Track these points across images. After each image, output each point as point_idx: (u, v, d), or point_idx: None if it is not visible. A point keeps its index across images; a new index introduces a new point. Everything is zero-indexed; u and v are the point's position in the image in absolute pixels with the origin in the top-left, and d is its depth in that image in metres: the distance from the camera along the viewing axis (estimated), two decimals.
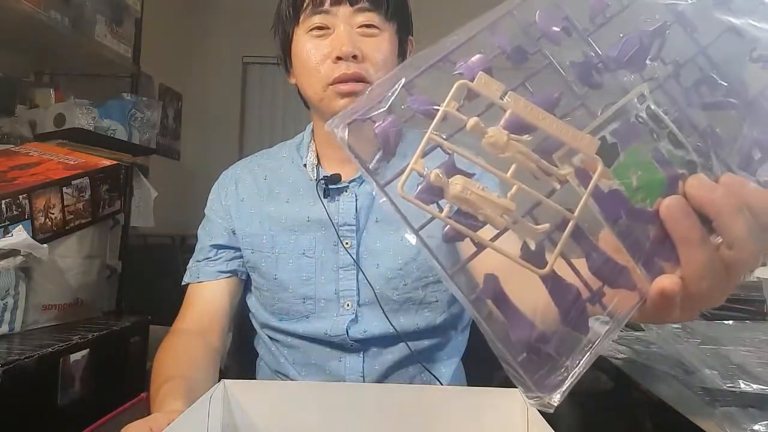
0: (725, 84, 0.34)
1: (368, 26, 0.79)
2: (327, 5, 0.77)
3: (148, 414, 0.60)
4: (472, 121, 0.30)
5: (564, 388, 0.30)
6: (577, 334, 0.31)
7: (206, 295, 0.87)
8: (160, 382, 0.69)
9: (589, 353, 0.31)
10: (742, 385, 0.62)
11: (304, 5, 0.79)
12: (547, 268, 0.30)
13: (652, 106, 0.33)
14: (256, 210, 0.88)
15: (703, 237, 0.31)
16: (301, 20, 0.80)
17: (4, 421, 0.76)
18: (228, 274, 0.88)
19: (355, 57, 0.77)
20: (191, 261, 0.91)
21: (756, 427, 0.57)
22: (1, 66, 1.70)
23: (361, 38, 0.78)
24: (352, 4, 0.77)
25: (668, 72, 0.34)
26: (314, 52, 0.79)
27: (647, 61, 0.34)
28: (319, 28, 0.78)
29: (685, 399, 0.70)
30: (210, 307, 0.86)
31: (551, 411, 0.30)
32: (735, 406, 0.61)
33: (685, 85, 0.34)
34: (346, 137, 0.31)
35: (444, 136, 0.30)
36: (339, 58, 0.77)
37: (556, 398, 0.30)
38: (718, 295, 0.34)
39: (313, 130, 0.92)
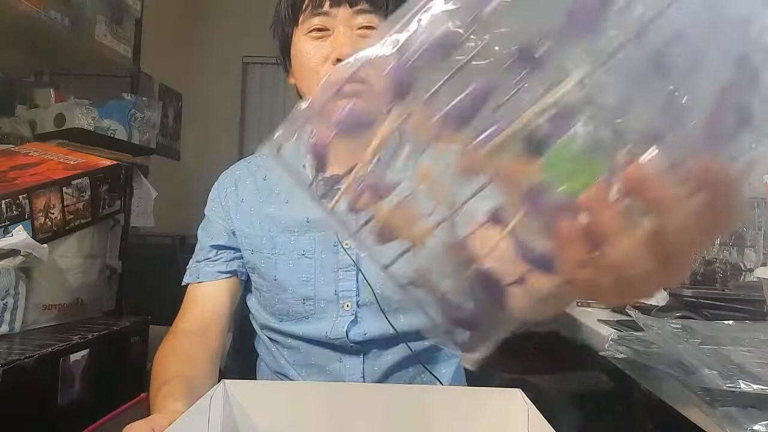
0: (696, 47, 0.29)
1: (368, 28, 0.78)
2: (326, 7, 0.77)
3: (148, 414, 0.60)
4: (419, 177, 0.31)
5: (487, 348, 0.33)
6: (499, 310, 0.33)
7: (206, 295, 0.87)
8: (160, 382, 0.69)
9: (510, 325, 0.33)
10: (742, 385, 0.62)
11: (303, 6, 0.79)
12: (473, 267, 0.31)
13: (590, 87, 0.29)
14: (255, 210, 0.88)
15: (627, 227, 0.30)
16: (300, 21, 0.80)
17: (4, 421, 0.76)
18: (228, 275, 0.88)
19: None
20: (191, 261, 0.91)
21: (756, 427, 0.57)
22: (1, 66, 1.70)
23: (361, 40, 0.78)
24: (351, 6, 0.77)
25: (621, 39, 0.29)
26: (314, 54, 0.79)
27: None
28: (319, 29, 0.78)
29: (685, 399, 0.70)
30: (210, 307, 0.86)
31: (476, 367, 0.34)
32: (735, 406, 0.61)
33: (646, 51, 0.29)
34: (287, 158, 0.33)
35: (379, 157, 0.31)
36: (339, 60, 0.76)
37: (483, 352, 0.33)
38: (653, 283, 0.33)
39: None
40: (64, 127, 1.61)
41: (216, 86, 3.31)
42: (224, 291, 0.88)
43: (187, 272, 0.90)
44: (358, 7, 0.77)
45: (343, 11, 0.77)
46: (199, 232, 0.93)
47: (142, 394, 0.89)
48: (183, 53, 3.15)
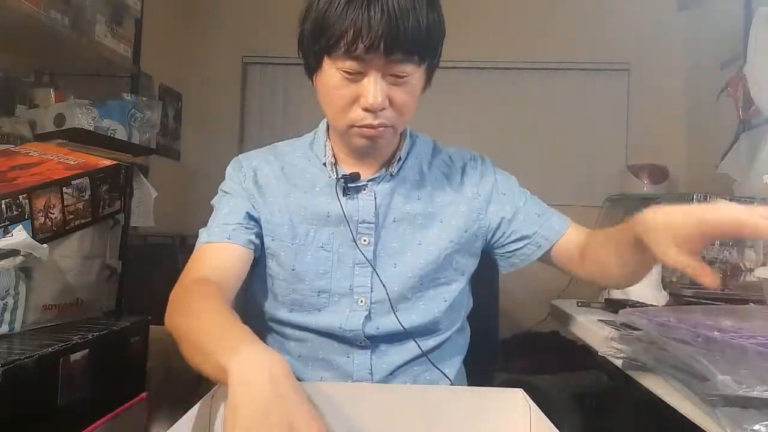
0: None
1: (398, 77, 0.77)
2: (361, 51, 0.73)
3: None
4: None
5: None
6: None
7: (230, 256, 0.82)
8: (197, 323, 0.62)
9: None
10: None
11: (339, 46, 0.74)
12: None
13: None
14: (275, 199, 0.88)
15: None
16: (333, 56, 0.76)
17: (4, 421, 0.76)
18: (253, 247, 0.85)
19: (382, 108, 0.77)
20: (215, 223, 0.86)
21: (756, 427, 0.57)
22: (1, 66, 1.69)
23: (390, 86, 0.77)
24: (386, 54, 0.74)
25: None
26: (342, 93, 0.77)
27: None
28: (350, 72, 0.76)
29: (685, 399, 0.70)
30: (231, 267, 0.81)
31: None
32: (735, 406, 0.61)
33: None
34: None
35: None
36: (367, 110, 0.76)
37: None
38: None
39: (328, 130, 0.92)
40: (64, 127, 1.61)
41: (216, 86, 3.31)
42: (247, 261, 0.84)
43: (210, 231, 0.85)
44: (393, 57, 0.74)
45: (378, 58, 0.74)
46: (218, 201, 0.89)
47: (142, 394, 0.89)
48: (183, 53, 3.15)
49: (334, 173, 0.88)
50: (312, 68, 0.82)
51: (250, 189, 0.89)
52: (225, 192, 0.90)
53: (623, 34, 2.88)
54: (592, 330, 1.12)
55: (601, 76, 3.08)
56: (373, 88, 0.75)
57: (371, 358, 0.85)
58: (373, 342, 0.85)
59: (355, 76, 0.76)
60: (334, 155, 0.89)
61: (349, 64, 0.75)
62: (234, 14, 3.26)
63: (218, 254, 0.82)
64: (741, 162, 1.95)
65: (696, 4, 2.71)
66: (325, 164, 0.90)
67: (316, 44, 0.77)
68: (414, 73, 0.78)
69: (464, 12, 3.03)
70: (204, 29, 3.28)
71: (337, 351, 0.85)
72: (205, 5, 3.29)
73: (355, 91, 0.77)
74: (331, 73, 0.77)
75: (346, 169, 0.88)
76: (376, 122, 0.77)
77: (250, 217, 0.86)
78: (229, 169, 0.93)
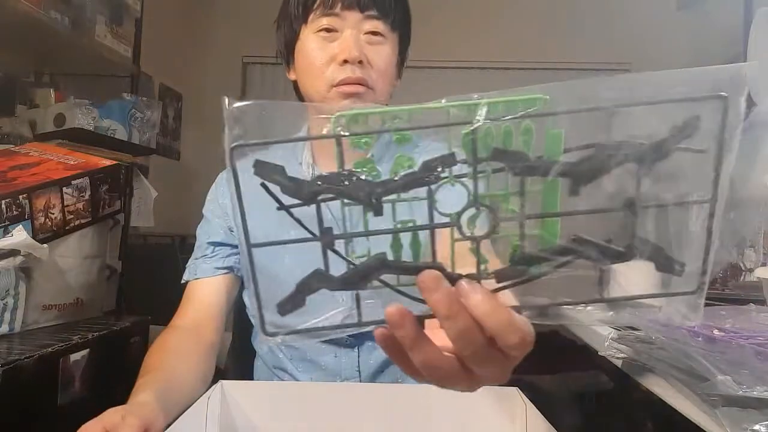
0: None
1: (374, 33, 0.82)
2: (338, 9, 0.80)
3: None
4: None
5: None
6: None
7: (203, 291, 0.87)
8: (140, 375, 0.70)
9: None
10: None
11: (315, 6, 0.81)
12: None
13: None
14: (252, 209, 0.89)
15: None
16: (309, 20, 0.82)
17: (4, 421, 0.76)
18: (225, 271, 0.89)
19: (360, 62, 0.80)
20: (190, 260, 0.92)
21: (756, 427, 0.56)
22: (1, 66, 1.70)
23: (366, 45, 0.81)
24: (362, 11, 0.80)
25: None
26: (321, 53, 0.81)
27: None
28: (327, 30, 0.81)
29: (685, 399, 0.70)
30: (206, 302, 0.87)
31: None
32: (735, 406, 0.61)
33: None
34: None
35: None
36: (345, 62, 0.79)
37: None
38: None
39: (308, 129, 0.92)
40: (64, 127, 1.61)
41: (216, 86, 3.31)
42: (221, 287, 0.88)
43: (186, 270, 0.91)
44: (368, 13, 0.80)
45: (353, 15, 0.80)
46: (197, 231, 0.94)
47: None
48: (183, 53, 3.15)
49: (310, 173, 0.88)
50: (290, 44, 0.86)
51: (226, 204, 0.91)
52: (204, 215, 0.94)
53: (623, 34, 2.88)
54: (592, 330, 1.12)
55: (601, 76, 3.08)
56: (350, 39, 0.80)
57: (358, 356, 0.85)
58: (359, 340, 0.85)
59: (333, 34, 0.81)
60: (312, 155, 0.89)
61: (327, 21, 0.80)
62: (234, 14, 3.27)
63: (194, 292, 0.88)
64: (741, 162, 1.95)
65: (696, 4, 2.72)
66: (301, 164, 0.89)
67: (295, 10, 0.83)
68: (388, 37, 0.83)
69: (464, 12, 3.03)
70: (204, 29, 3.28)
71: (324, 351, 0.85)
72: (205, 5, 3.29)
73: (332, 50, 0.81)
74: (309, 38, 0.82)
75: (325, 168, 0.88)
76: (355, 75, 0.80)
77: (218, 242, 0.90)
78: (212, 186, 0.96)
